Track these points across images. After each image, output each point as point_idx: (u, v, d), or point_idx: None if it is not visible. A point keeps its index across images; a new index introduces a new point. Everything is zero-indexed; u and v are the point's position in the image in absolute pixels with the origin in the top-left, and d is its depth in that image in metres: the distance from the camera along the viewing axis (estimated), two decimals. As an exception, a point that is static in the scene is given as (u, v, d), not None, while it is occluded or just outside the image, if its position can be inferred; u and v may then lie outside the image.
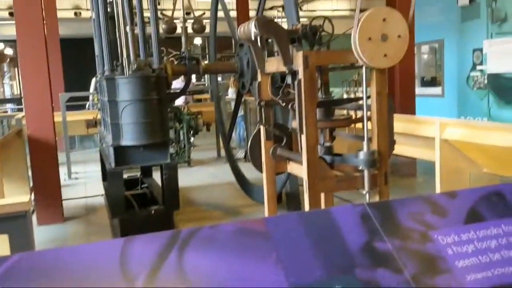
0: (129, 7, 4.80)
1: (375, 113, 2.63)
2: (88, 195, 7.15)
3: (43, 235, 5.15)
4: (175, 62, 5.31)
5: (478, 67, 7.74)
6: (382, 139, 2.65)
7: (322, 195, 3.36)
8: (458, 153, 4.39)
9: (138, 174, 7.07)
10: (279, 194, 5.32)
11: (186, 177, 7.99)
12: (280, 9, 18.99)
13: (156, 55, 4.91)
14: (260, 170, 3.28)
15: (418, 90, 9.32)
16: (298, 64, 2.55)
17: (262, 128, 3.19)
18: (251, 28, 2.68)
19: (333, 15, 19.44)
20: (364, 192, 2.63)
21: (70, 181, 8.26)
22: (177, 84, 10.20)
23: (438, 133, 4.33)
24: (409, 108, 7.08)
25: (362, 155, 2.58)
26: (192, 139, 9.60)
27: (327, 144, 2.90)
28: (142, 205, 5.70)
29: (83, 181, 8.14)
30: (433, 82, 9.11)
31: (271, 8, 18.39)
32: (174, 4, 5.65)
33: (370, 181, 2.61)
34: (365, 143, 2.60)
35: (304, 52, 2.50)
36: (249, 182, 6.03)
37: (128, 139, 4.80)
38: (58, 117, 8.16)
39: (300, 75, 2.53)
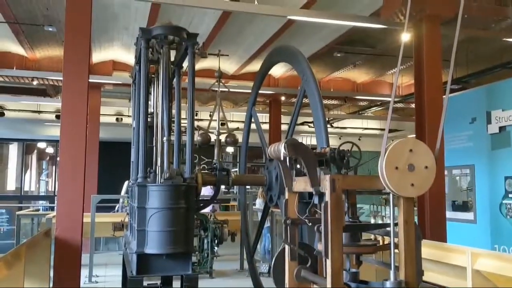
0: (168, 119, 5.07)
1: (403, 242, 2.58)
2: (106, 301, 7.00)
3: None
4: (206, 170, 5.43)
5: (511, 195, 7.61)
6: (409, 268, 2.57)
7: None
8: (491, 286, 4.18)
9: (158, 282, 6.93)
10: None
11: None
12: (312, 124, 19.61)
13: (188, 165, 5.06)
14: (283, 290, 3.18)
15: (449, 214, 9.15)
16: (325, 187, 2.58)
17: (287, 247, 3.16)
18: (281, 149, 2.77)
19: (363, 133, 19.89)
20: (390, 325, 2.49)
21: (90, 284, 8.14)
22: (206, 191, 10.32)
23: (469, 263, 4.18)
24: (439, 234, 6.91)
25: (388, 284, 2.50)
26: (216, 248, 9.49)
27: (353, 270, 2.82)
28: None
29: (103, 285, 8.00)
30: (464, 206, 8.95)
31: (302, 124, 18.99)
32: (211, 116, 5.93)
33: (397, 314, 2.48)
34: (392, 272, 2.53)
35: (332, 176, 2.54)
36: (271, 300, 5.79)
37: (152, 247, 4.78)
38: (86, 218, 8.30)
39: (327, 198, 2.55)
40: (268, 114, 15.10)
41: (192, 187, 5.02)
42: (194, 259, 9.13)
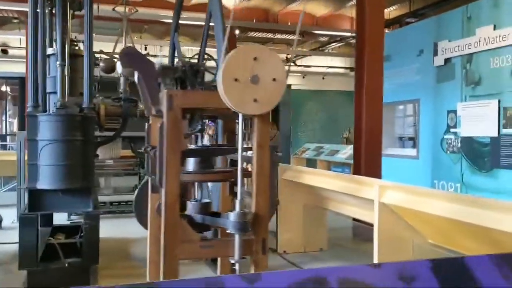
0: (61, 42, 4.54)
1: (255, 169, 2.22)
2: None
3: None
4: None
5: (452, 130, 7.38)
6: (261, 198, 2.23)
7: (219, 260, 2.92)
8: (399, 220, 3.94)
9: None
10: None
11: (138, 228, 7.51)
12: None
13: (87, 94, 4.59)
14: (146, 226, 2.85)
15: (395, 150, 8.97)
16: (163, 105, 2.17)
17: (149, 179, 2.79)
18: (118, 62, 2.33)
19: (328, 72, 19.42)
20: (232, 261, 2.18)
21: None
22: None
23: (377, 196, 3.91)
24: (374, 172, 6.67)
25: (232, 216, 2.15)
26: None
27: (205, 200, 2.47)
28: (70, 256, 5.24)
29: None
30: (409, 142, 8.76)
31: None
32: (116, 41, 5.40)
33: (241, 248, 2.16)
34: (237, 202, 2.18)
35: (169, 91, 2.13)
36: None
37: (44, 182, 4.40)
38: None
39: (164, 118, 2.15)
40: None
41: (90, 119, 4.58)
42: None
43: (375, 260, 3.91)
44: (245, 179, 2.61)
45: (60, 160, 4.37)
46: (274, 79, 2.07)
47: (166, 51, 5.37)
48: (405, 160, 8.43)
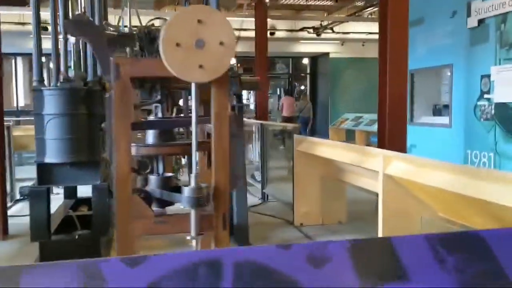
0: (64, 13, 4.50)
1: (213, 140, 2.10)
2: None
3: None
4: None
5: (486, 96, 6.90)
6: (220, 171, 2.11)
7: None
8: (406, 192, 3.72)
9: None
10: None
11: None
12: (311, 30, 18.40)
13: (91, 68, 4.57)
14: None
15: (428, 119, 8.54)
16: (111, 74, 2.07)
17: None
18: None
19: (367, 38, 18.73)
20: (188, 237, 2.08)
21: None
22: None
23: (381, 167, 3.70)
24: (399, 140, 6.38)
25: (186, 191, 2.05)
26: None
27: (167, 174, 2.38)
28: (87, 227, 5.34)
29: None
30: (443, 110, 8.32)
31: (302, 30, 17.86)
32: (121, 14, 5.31)
33: (198, 224, 2.06)
34: (192, 176, 2.07)
35: (116, 59, 2.02)
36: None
37: (51, 156, 4.46)
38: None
39: (113, 88, 2.05)
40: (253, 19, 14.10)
41: (95, 92, 4.56)
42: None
43: (380, 234, 3.73)
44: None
45: (66, 134, 4.40)
46: (221, 43, 1.92)
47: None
48: (438, 129, 8.01)
